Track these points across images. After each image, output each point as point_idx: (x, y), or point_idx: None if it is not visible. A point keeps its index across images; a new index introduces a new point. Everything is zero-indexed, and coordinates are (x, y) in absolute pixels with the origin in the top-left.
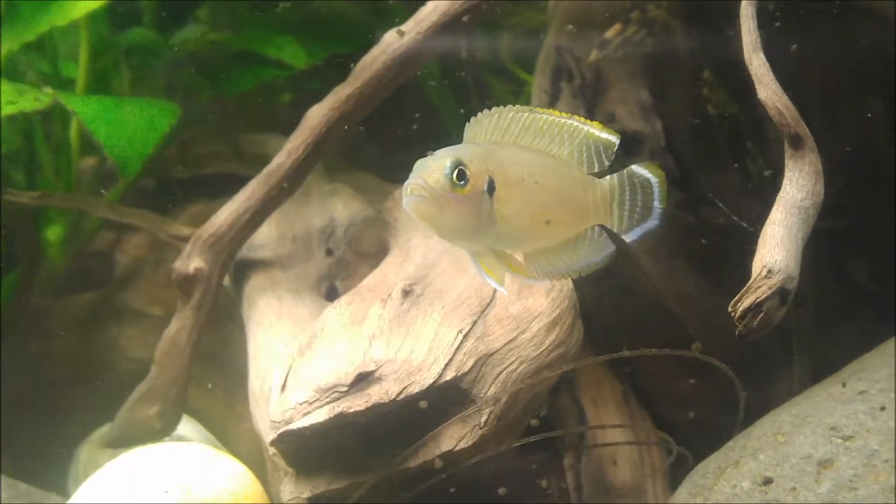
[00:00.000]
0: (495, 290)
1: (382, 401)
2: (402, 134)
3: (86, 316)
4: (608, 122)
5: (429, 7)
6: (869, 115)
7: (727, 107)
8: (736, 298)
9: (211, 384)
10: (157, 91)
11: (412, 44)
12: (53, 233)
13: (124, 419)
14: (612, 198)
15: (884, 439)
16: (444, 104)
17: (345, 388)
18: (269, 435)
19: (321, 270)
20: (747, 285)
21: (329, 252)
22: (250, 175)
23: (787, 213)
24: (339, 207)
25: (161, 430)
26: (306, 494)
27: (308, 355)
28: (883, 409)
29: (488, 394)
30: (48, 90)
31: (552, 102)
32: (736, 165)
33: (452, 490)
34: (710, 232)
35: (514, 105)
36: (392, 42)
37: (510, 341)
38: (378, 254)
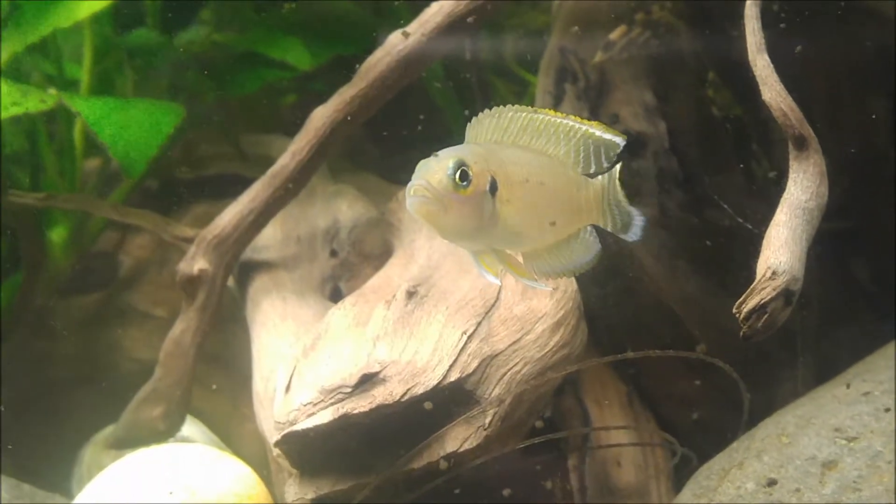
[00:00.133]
0: (500, 292)
1: (387, 402)
2: (406, 135)
3: (90, 317)
4: (612, 123)
5: (433, 8)
6: (873, 116)
7: (731, 108)
8: (740, 300)
9: (215, 385)
10: (161, 92)
11: (416, 45)
12: (57, 234)
13: (128, 420)
14: (603, 197)
15: (888, 441)
16: (448, 105)
17: (349, 390)
18: (273, 436)
19: (325, 272)
20: (752, 287)
21: (333, 253)
22: (254, 176)
23: (791, 214)
24: (344, 209)
25: (165, 432)
26: (310, 495)
27: (312, 356)
28: (887, 410)
29: (493, 395)
30: (52, 91)
31: (556, 104)
32: (740, 167)
33: (457, 491)
34: (714, 233)
35: (514, 105)
36: (397, 43)
37: (514, 342)
38: (382, 255)
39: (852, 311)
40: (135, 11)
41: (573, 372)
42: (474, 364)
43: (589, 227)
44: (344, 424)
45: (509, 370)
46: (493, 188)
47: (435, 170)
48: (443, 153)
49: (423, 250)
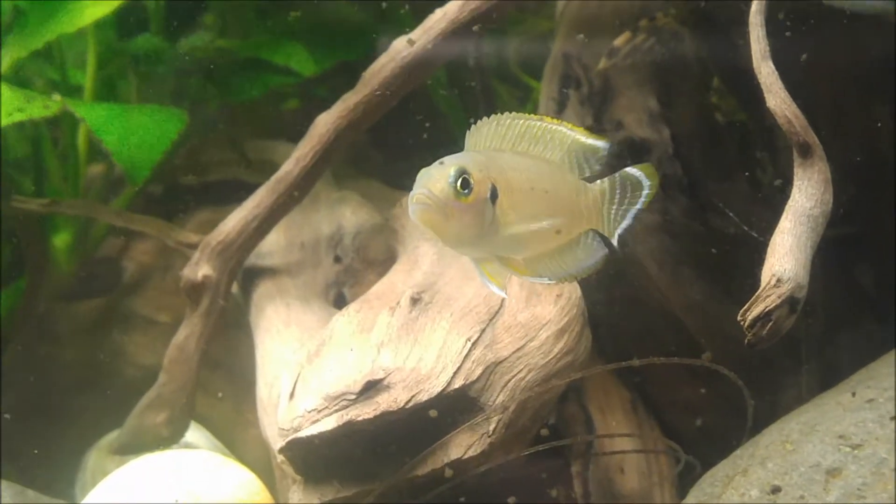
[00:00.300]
0: (504, 298)
1: (391, 409)
2: (409, 141)
3: (93, 322)
4: (616, 129)
5: (437, 14)
6: (877, 123)
7: (736, 115)
8: (745, 307)
9: (220, 392)
10: (165, 98)
11: (421, 51)
12: (61, 239)
13: (132, 426)
14: (602, 202)
15: (892, 448)
16: (452, 111)
17: (353, 396)
18: (277, 442)
19: (329, 278)
20: (756, 294)
21: (337, 259)
22: (258, 182)
23: (796, 221)
24: (348, 215)
25: (169, 438)
26: (315, 502)
27: (316, 363)
28: (892, 418)
29: (497, 402)
30: (56, 97)
31: (560, 110)
32: (744, 174)
33: (461, 498)
34: (718, 240)
35: (511, 112)
36: (401, 49)
37: (518, 349)
38: (386, 261)
39: (857, 318)
40: (138, 17)
41: (577, 379)
42: (478, 371)
43: (591, 232)
44: (348, 431)
45: (513, 377)
46: (494, 195)
47: (437, 178)
48: (444, 161)
49: (426, 256)
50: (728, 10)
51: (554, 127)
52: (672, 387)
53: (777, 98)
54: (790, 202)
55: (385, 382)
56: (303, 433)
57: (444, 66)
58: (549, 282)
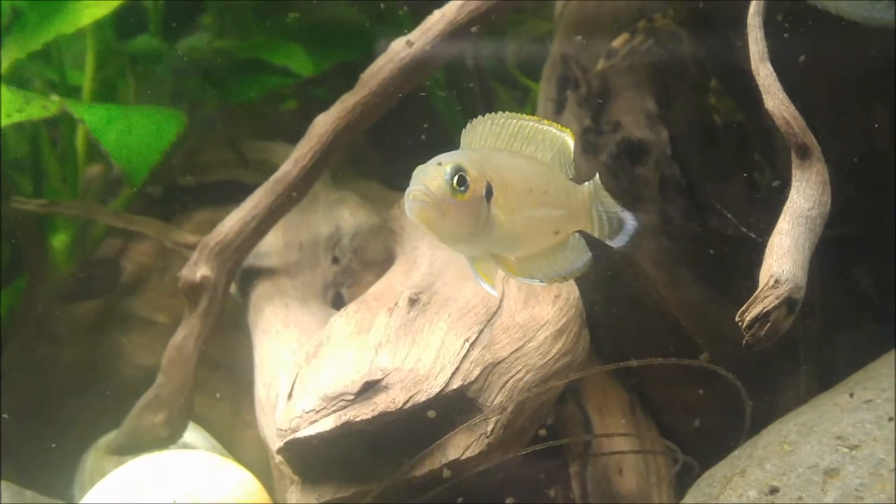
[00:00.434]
0: (502, 299)
1: (389, 409)
2: (408, 142)
3: (92, 323)
4: (614, 130)
5: (435, 16)
6: (875, 124)
7: (734, 116)
8: (743, 308)
9: (218, 393)
10: (163, 99)
11: (419, 53)
12: (59, 240)
13: (131, 427)
14: (591, 203)
15: (890, 448)
16: (450, 112)
17: (351, 397)
18: (275, 443)
19: (327, 278)
20: (754, 295)
21: (335, 260)
22: (256, 183)
23: (794, 222)
24: (346, 216)
25: (167, 438)
26: (313, 502)
27: (314, 363)
28: (890, 419)
29: (495, 402)
30: (55, 98)
31: (558, 111)
32: (743, 175)
33: (459, 499)
34: (716, 241)
35: (506, 112)
36: (399, 51)
37: (516, 350)
38: (384, 262)
39: (855, 319)
40: (137, 18)
41: (575, 379)
42: (476, 372)
43: (577, 234)
44: (346, 432)
45: (511, 378)
46: (489, 193)
47: (433, 175)
48: (440, 158)
49: (425, 257)
50: (726, 12)
51: (544, 127)
52: (670, 387)
53: (775, 99)
54: (788, 203)
55: (383, 383)
56: (301, 434)
57: (442, 67)
58: (540, 283)
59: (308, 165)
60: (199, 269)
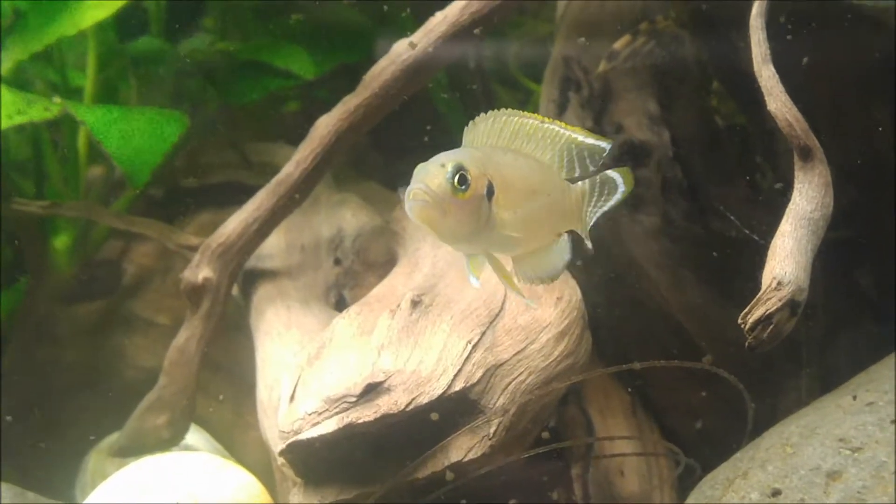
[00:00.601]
0: (504, 301)
1: (391, 411)
2: (410, 144)
3: (93, 325)
4: (616, 132)
5: (438, 18)
6: (878, 126)
7: (736, 118)
8: (746, 310)
9: (220, 394)
10: (165, 100)
11: (421, 54)
12: (61, 241)
13: (133, 428)
14: (584, 203)
15: (892, 451)
16: (453, 114)
17: (354, 399)
18: (277, 445)
19: (329, 280)
20: (757, 297)
21: (337, 262)
22: (258, 184)
23: (796, 224)
24: (348, 217)
25: (169, 440)
26: None
27: (317, 365)
28: (892, 421)
29: (497, 405)
30: (57, 100)
31: (560, 112)
32: (745, 177)
33: (462, 501)
34: (718, 243)
35: (508, 109)
36: (401, 52)
37: (519, 352)
38: (386, 264)
39: (857, 321)
40: (139, 19)
41: (578, 382)
42: (479, 373)
43: (565, 234)
44: (349, 434)
45: (514, 380)
46: (490, 192)
47: (434, 174)
48: (441, 157)
49: (427, 259)
50: (728, 13)
51: (546, 126)
52: (672, 390)
53: (778, 101)
54: (791, 205)
55: (385, 385)
56: (303, 436)
57: (444, 68)
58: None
59: (310, 167)
60: (201, 271)
